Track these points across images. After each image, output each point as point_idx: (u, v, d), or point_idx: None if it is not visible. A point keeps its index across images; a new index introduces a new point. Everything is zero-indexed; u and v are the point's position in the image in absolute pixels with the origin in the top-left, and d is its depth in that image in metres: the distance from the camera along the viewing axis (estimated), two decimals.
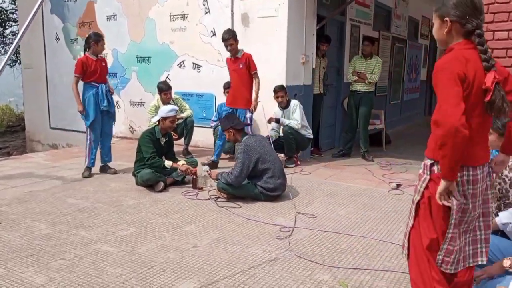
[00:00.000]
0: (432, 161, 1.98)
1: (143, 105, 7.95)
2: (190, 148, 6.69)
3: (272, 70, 6.32)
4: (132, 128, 8.21)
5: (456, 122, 1.77)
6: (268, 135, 5.88)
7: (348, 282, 2.74)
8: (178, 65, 7.41)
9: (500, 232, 2.54)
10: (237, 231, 3.59)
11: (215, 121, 6.52)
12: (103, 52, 5.78)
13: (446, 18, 1.93)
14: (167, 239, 3.43)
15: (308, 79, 6.70)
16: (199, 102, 7.25)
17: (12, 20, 15.45)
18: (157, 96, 6.57)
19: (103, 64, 5.60)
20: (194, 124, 6.66)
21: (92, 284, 2.71)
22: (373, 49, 6.92)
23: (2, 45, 15.57)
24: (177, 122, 5.56)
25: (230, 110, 5.72)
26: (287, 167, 5.70)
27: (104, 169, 5.59)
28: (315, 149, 7.04)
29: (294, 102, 5.96)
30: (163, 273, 2.86)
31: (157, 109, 6.37)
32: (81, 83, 5.50)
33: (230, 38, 5.47)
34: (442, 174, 1.86)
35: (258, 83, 5.63)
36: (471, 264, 1.99)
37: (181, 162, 4.94)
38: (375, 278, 2.78)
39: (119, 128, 8.00)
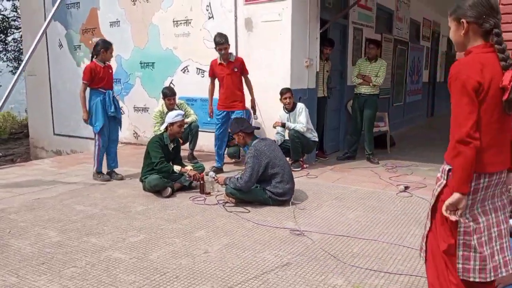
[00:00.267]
0: (451, 167, 1.96)
1: (147, 110, 7.96)
2: (195, 153, 6.69)
3: (276, 74, 6.34)
4: (137, 133, 8.21)
5: (466, 133, 1.80)
6: (274, 140, 5.88)
7: (363, 286, 2.73)
8: (182, 70, 7.42)
9: None
10: (248, 236, 3.59)
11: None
12: None
13: (463, 20, 1.93)
14: (178, 245, 3.42)
15: (312, 82, 6.71)
16: (204, 107, 7.23)
17: (14, 27, 15.50)
18: (162, 101, 6.57)
19: (110, 71, 5.62)
20: (199, 129, 6.67)
21: None
22: (378, 52, 6.92)
23: (4, 52, 15.60)
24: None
25: (225, 114, 5.75)
26: (293, 170, 5.68)
27: (111, 175, 5.60)
28: (320, 152, 7.04)
29: (300, 105, 5.96)
30: (176, 279, 2.85)
31: (161, 114, 6.38)
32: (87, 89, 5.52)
33: (225, 42, 5.51)
34: (455, 186, 1.85)
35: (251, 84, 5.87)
36: (503, 274, 1.96)
37: (189, 168, 4.94)
38: (389, 282, 2.77)
39: (123, 134, 7.99)
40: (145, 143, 7.94)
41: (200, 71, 7.20)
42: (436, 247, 1.99)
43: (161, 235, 3.62)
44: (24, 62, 2.16)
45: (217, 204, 4.47)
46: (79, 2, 8.59)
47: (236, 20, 6.69)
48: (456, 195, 1.85)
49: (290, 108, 6.00)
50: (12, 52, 15.82)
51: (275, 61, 6.34)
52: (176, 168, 4.84)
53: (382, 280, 2.80)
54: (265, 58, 6.42)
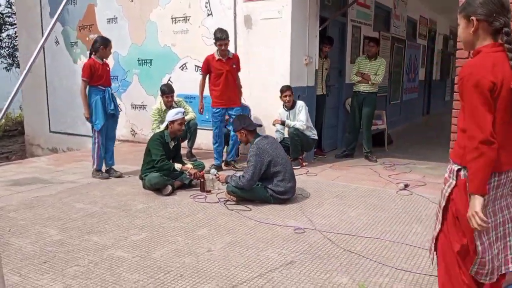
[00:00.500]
0: (460, 167, 1.95)
1: (145, 108, 7.92)
2: (193, 151, 6.67)
3: (276, 72, 6.33)
4: (134, 131, 8.17)
5: (490, 133, 1.78)
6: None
7: (367, 284, 2.73)
8: (180, 67, 7.39)
9: None
10: (250, 234, 3.58)
11: None
12: None
13: (473, 17, 1.90)
14: (180, 243, 3.41)
15: (311, 80, 6.71)
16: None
17: (8, 23, 15.36)
18: (160, 99, 6.54)
19: (108, 68, 5.58)
20: (197, 127, 6.64)
21: None
22: (377, 50, 6.93)
23: None
24: None
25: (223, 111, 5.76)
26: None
27: (109, 172, 5.56)
28: (318, 150, 7.03)
29: (300, 103, 5.96)
30: (181, 278, 2.84)
31: (159, 112, 6.35)
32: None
33: (226, 37, 5.50)
34: (475, 188, 1.81)
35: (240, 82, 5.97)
36: (503, 272, 1.96)
37: (189, 166, 4.93)
38: (394, 280, 2.78)
39: (120, 131, 7.94)
40: (143, 141, 7.95)
41: (199, 68, 7.15)
42: (448, 248, 1.97)
43: (163, 234, 3.61)
44: (29, 63, 2.11)
45: (218, 202, 4.46)
46: None
47: (235, 17, 6.67)
48: (477, 199, 1.80)
49: (290, 106, 5.99)
50: (6, 49, 15.67)
51: (274, 58, 6.33)
52: (177, 166, 4.83)
53: (387, 278, 2.81)
54: (265, 56, 6.41)
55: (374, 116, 7.09)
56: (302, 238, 3.49)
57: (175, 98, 6.45)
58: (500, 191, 1.94)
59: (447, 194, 1.97)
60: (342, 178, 5.49)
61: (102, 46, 5.39)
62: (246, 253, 3.22)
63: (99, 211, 4.19)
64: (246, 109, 6.35)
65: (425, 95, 13.68)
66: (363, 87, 6.68)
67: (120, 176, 5.48)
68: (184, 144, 6.47)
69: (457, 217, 1.92)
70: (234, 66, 5.72)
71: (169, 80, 7.41)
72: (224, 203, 4.39)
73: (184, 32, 7.25)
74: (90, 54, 5.51)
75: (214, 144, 5.86)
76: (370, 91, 6.66)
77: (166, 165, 4.75)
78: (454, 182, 1.96)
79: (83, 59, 8.36)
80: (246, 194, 4.34)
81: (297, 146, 5.91)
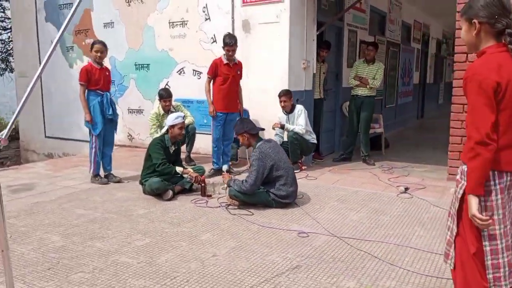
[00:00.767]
0: None
1: (142, 112, 7.90)
2: (191, 155, 6.66)
3: (274, 76, 6.34)
4: (131, 136, 8.14)
5: (485, 134, 1.80)
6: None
7: None
8: (178, 72, 7.38)
9: None
10: (254, 239, 3.57)
11: None
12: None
13: (475, 20, 1.92)
14: (185, 248, 3.39)
15: (309, 84, 6.74)
16: (200, 109, 7.22)
17: (1, 28, 15.25)
18: (157, 103, 6.53)
19: (107, 73, 5.54)
20: (196, 131, 6.64)
21: None
22: (375, 54, 6.97)
23: None
24: None
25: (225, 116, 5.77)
26: None
27: (108, 177, 5.53)
28: (316, 154, 7.05)
29: (299, 107, 5.97)
30: (187, 283, 2.82)
31: (157, 116, 6.34)
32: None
33: (235, 43, 5.52)
34: (470, 189, 1.85)
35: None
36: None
37: (190, 169, 4.92)
38: (401, 283, 2.78)
39: (117, 136, 7.87)
40: (140, 145, 7.93)
41: (197, 72, 7.17)
42: (466, 251, 1.95)
43: (166, 239, 3.59)
44: (39, 70, 2.09)
45: (219, 206, 4.45)
46: (71, 3, 8.48)
47: (233, 22, 6.69)
48: (473, 199, 1.84)
49: (288, 110, 6.00)
50: (0, 54, 15.54)
51: (272, 63, 6.35)
52: (179, 169, 4.82)
53: (394, 281, 2.81)
54: (263, 60, 6.42)
55: (372, 120, 7.13)
56: (306, 242, 3.49)
57: (173, 103, 6.44)
58: (506, 195, 1.93)
59: (459, 196, 1.97)
60: (342, 181, 5.50)
61: (90, 49, 5.41)
62: (251, 257, 3.21)
63: (101, 217, 4.16)
64: (245, 112, 6.36)
65: (419, 98, 13.78)
66: (361, 91, 6.72)
67: (119, 182, 5.46)
68: (183, 148, 6.46)
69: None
70: (239, 73, 5.79)
71: (166, 84, 7.40)
72: (226, 208, 4.38)
73: (182, 36, 7.25)
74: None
75: (214, 148, 5.84)
76: (368, 94, 6.70)
77: (167, 168, 4.74)
78: (465, 183, 1.96)
79: (79, 64, 8.34)
80: (249, 199, 4.33)
81: (296, 150, 5.92)
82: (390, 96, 10.55)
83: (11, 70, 15.48)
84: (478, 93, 1.84)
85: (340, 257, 3.20)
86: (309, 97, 6.73)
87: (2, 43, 15.62)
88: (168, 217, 4.16)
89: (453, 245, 2.04)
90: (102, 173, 5.58)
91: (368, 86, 6.62)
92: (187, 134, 6.41)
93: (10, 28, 14.76)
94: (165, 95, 6.30)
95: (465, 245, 1.98)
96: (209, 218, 4.11)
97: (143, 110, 7.89)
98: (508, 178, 1.91)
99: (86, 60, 8.23)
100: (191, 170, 4.90)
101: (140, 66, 7.82)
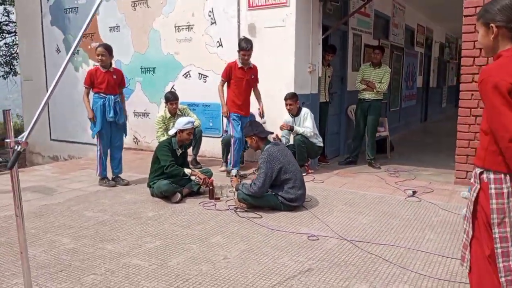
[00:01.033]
0: (482, 170, 1.97)
1: (148, 115, 7.93)
2: (197, 158, 6.67)
3: (280, 80, 6.36)
4: (137, 139, 8.16)
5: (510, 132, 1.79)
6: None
7: None
8: (183, 75, 7.41)
9: None
10: (265, 242, 3.58)
11: (226, 130, 6.51)
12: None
13: (492, 24, 1.93)
14: (195, 251, 3.40)
15: (314, 87, 6.75)
16: (206, 112, 7.24)
17: (5, 32, 15.32)
18: (164, 106, 6.55)
19: (114, 76, 5.53)
20: (202, 134, 6.66)
21: None
22: (382, 58, 6.99)
23: None
24: None
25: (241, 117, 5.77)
26: None
27: (116, 180, 5.55)
28: (321, 157, 7.05)
29: (305, 110, 5.99)
30: (200, 286, 2.83)
31: (164, 120, 6.36)
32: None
33: (251, 48, 5.58)
34: None
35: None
36: None
37: (197, 171, 4.94)
38: (413, 287, 2.79)
39: None
40: (146, 148, 7.95)
41: (202, 76, 7.19)
42: (481, 254, 1.95)
43: (177, 241, 3.60)
44: (58, 75, 2.09)
45: (228, 209, 4.46)
46: (77, 7, 8.53)
47: (239, 26, 6.72)
48: None
49: (295, 113, 6.02)
50: (4, 57, 15.62)
51: (278, 66, 6.37)
52: (187, 171, 4.83)
53: (406, 285, 2.82)
54: (269, 64, 6.43)
55: (378, 124, 7.14)
56: (317, 245, 3.50)
57: (179, 106, 6.46)
58: None
59: (473, 199, 1.98)
60: (349, 185, 5.51)
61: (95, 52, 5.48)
62: (262, 260, 3.22)
63: (110, 219, 4.17)
64: (250, 116, 6.36)
65: (423, 102, 13.80)
66: (368, 95, 6.73)
67: (127, 184, 5.47)
68: (189, 151, 6.47)
69: (487, 221, 1.93)
70: (253, 77, 5.81)
71: (172, 88, 7.42)
72: (235, 211, 4.39)
73: (188, 40, 7.28)
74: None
75: (236, 148, 5.78)
76: (375, 98, 6.72)
77: (175, 170, 4.75)
78: (478, 186, 1.97)
79: (85, 67, 8.38)
80: (257, 202, 4.34)
81: (303, 153, 5.93)
82: (394, 100, 10.57)
83: (15, 74, 15.56)
84: (494, 94, 1.83)
85: (352, 261, 3.20)
86: (314, 101, 6.74)
87: (6, 47, 15.70)
88: (178, 219, 4.17)
89: (468, 247, 2.04)
90: (110, 175, 5.59)
91: (375, 90, 6.63)
92: (194, 137, 6.42)
93: (14, 31, 14.87)
94: (171, 97, 6.32)
95: (481, 247, 1.99)
96: (218, 221, 4.12)
97: (148, 113, 7.91)
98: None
99: (91, 64, 8.27)
100: (199, 172, 4.91)
101: (146, 69, 7.85)
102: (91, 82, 5.39)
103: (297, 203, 4.39)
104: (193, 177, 4.85)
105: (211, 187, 4.80)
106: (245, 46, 5.56)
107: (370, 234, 3.75)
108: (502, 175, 1.88)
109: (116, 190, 5.26)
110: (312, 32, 6.55)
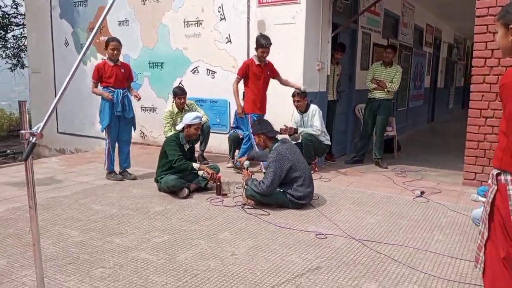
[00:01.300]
0: (499, 171, 1.95)
1: (155, 110, 7.93)
2: (204, 154, 6.66)
3: (289, 77, 6.30)
4: (144, 133, 8.17)
5: None
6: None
7: None
8: (191, 71, 7.40)
9: None
10: (272, 239, 3.57)
11: (234, 127, 6.51)
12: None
13: (511, 26, 1.93)
14: (203, 246, 3.40)
15: (323, 86, 6.73)
16: (213, 108, 7.24)
17: (14, 24, 15.36)
18: (171, 102, 6.54)
19: (122, 70, 5.53)
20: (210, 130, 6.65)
21: None
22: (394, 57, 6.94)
23: (3, 49, 15.45)
24: None
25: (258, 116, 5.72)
26: None
27: (123, 175, 5.56)
28: (328, 156, 7.03)
29: (313, 107, 5.97)
30: (208, 281, 2.83)
31: (172, 115, 6.35)
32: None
33: (270, 45, 5.55)
34: None
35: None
36: None
37: (205, 166, 4.93)
38: None
39: None
40: (152, 143, 7.95)
41: (211, 72, 7.18)
42: (496, 256, 1.94)
43: (184, 236, 3.60)
44: (73, 68, 2.10)
45: (235, 205, 4.45)
46: (86, 1, 8.54)
47: (248, 22, 6.69)
48: None
49: (303, 110, 6.00)
50: (12, 49, 15.66)
51: (287, 64, 6.33)
52: (195, 165, 4.83)
53: (416, 285, 2.80)
54: (278, 61, 6.37)
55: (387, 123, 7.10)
56: (325, 244, 3.48)
57: (187, 101, 6.44)
58: None
59: (490, 200, 1.97)
60: (357, 184, 5.49)
61: (104, 46, 5.45)
62: (270, 257, 3.21)
63: (118, 213, 4.18)
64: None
65: (430, 102, 13.73)
66: (378, 94, 6.70)
67: (134, 179, 5.47)
68: (196, 147, 6.46)
69: (504, 223, 1.91)
70: (269, 73, 5.80)
71: (180, 83, 7.41)
72: (242, 207, 4.38)
73: (197, 36, 7.26)
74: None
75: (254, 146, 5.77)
76: (386, 98, 6.68)
77: (183, 164, 4.75)
78: (495, 187, 1.96)
79: (93, 61, 8.39)
80: (265, 199, 4.33)
81: (310, 152, 5.90)
82: (402, 100, 10.52)
83: (22, 66, 15.60)
84: None
85: (360, 260, 3.19)
86: (323, 99, 6.72)
87: (14, 39, 15.73)
88: (185, 214, 4.17)
89: (483, 249, 2.03)
90: (118, 169, 5.60)
91: (385, 89, 6.59)
92: (202, 133, 6.41)
93: (23, 24, 14.90)
94: (179, 92, 6.31)
95: (495, 249, 1.97)
96: (226, 217, 4.11)
97: (156, 108, 7.91)
98: None
99: (100, 58, 8.28)
100: (207, 167, 4.91)
101: (154, 64, 7.85)
102: (99, 76, 5.39)
103: (305, 201, 4.38)
104: (200, 172, 4.85)
105: (218, 183, 4.79)
106: (265, 43, 5.52)
107: (379, 233, 3.73)
108: (509, 178, 1.87)
109: (123, 184, 5.26)
110: (322, 30, 6.52)
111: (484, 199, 3.27)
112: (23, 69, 15.53)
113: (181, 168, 4.75)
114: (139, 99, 5.60)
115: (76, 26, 8.77)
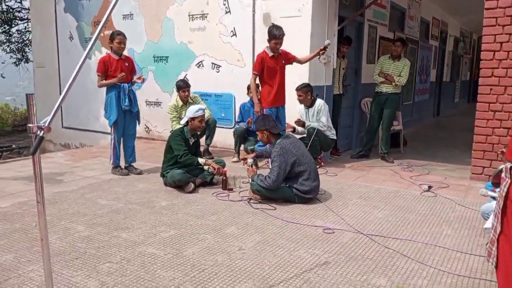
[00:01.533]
0: None
1: (160, 105, 7.91)
2: (209, 149, 6.64)
3: (294, 71, 6.26)
4: (148, 128, 8.15)
5: None
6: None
7: (406, 286, 2.70)
8: (196, 65, 7.37)
9: None
10: (279, 234, 3.55)
11: (238, 122, 6.47)
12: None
13: None
14: (210, 241, 3.38)
15: (329, 79, 6.67)
16: (218, 102, 7.20)
17: (18, 18, 15.34)
18: (175, 95, 6.51)
19: (126, 64, 5.51)
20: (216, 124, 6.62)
21: None
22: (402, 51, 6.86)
23: (8, 43, 15.44)
24: None
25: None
26: None
27: (128, 169, 5.54)
28: (334, 150, 6.98)
29: (319, 102, 5.92)
30: (216, 276, 2.81)
31: (176, 108, 6.32)
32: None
33: (283, 35, 5.39)
34: None
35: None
36: None
37: (211, 161, 4.91)
38: (432, 283, 2.74)
39: None
40: (157, 138, 7.94)
41: (216, 66, 7.14)
42: (509, 250, 1.91)
43: (191, 231, 3.58)
44: (80, 62, 2.08)
45: (241, 200, 4.43)
46: None
47: (254, 15, 6.64)
48: None
49: (308, 104, 5.95)
50: (16, 44, 15.65)
51: None
52: (201, 160, 4.81)
53: (425, 280, 2.77)
54: None
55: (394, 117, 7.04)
56: (333, 239, 3.46)
57: (191, 94, 6.40)
58: None
59: (504, 194, 1.94)
60: (363, 178, 5.45)
61: (109, 40, 5.40)
62: (278, 252, 3.19)
63: (124, 208, 4.16)
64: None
65: (436, 96, 13.63)
66: (385, 88, 6.63)
67: (140, 173, 5.46)
68: (202, 141, 6.44)
69: None
70: (284, 62, 5.62)
71: (185, 77, 7.38)
72: (248, 202, 4.36)
73: (202, 29, 7.22)
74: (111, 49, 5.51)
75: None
76: (393, 92, 6.61)
77: (189, 159, 4.73)
78: (509, 180, 1.93)
79: (98, 55, 8.35)
80: (271, 194, 4.31)
81: (316, 146, 5.86)
82: (408, 94, 10.45)
83: (27, 61, 15.59)
84: None
85: (369, 255, 3.16)
86: (328, 93, 6.65)
87: (18, 33, 15.72)
88: (191, 209, 4.15)
89: (496, 243, 2.00)
90: (123, 164, 5.59)
91: (393, 83, 6.53)
92: (208, 127, 6.39)
93: (27, 18, 14.88)
94: (183, 85, 6.27)
95: (509, 243, 1.94)
96: (232, 212, 4.09)
97: (161, 102, 7.89)
98: None
99: (104, 51, 8.24)
100: (213, 162, 4.88)
101: (159, 58, 7.82)
102: (105, 70, 5.35)
103: (311, 195, 4.35)
104: (206, 167, 4.83)
105: (224, 178, 4.77)
106: (278, 34, 5.33)
107: (386, 228, 3.70)
108: None
109: (129, 179, 5.25)
110: (328, 23, 6.45)
111: (493, 194, 3.24)
112: (27, 64, 15.52)
113: (187, 163, 4.73)
114: (143, 80, 5.56)
115: (80, 20, 8.74)
